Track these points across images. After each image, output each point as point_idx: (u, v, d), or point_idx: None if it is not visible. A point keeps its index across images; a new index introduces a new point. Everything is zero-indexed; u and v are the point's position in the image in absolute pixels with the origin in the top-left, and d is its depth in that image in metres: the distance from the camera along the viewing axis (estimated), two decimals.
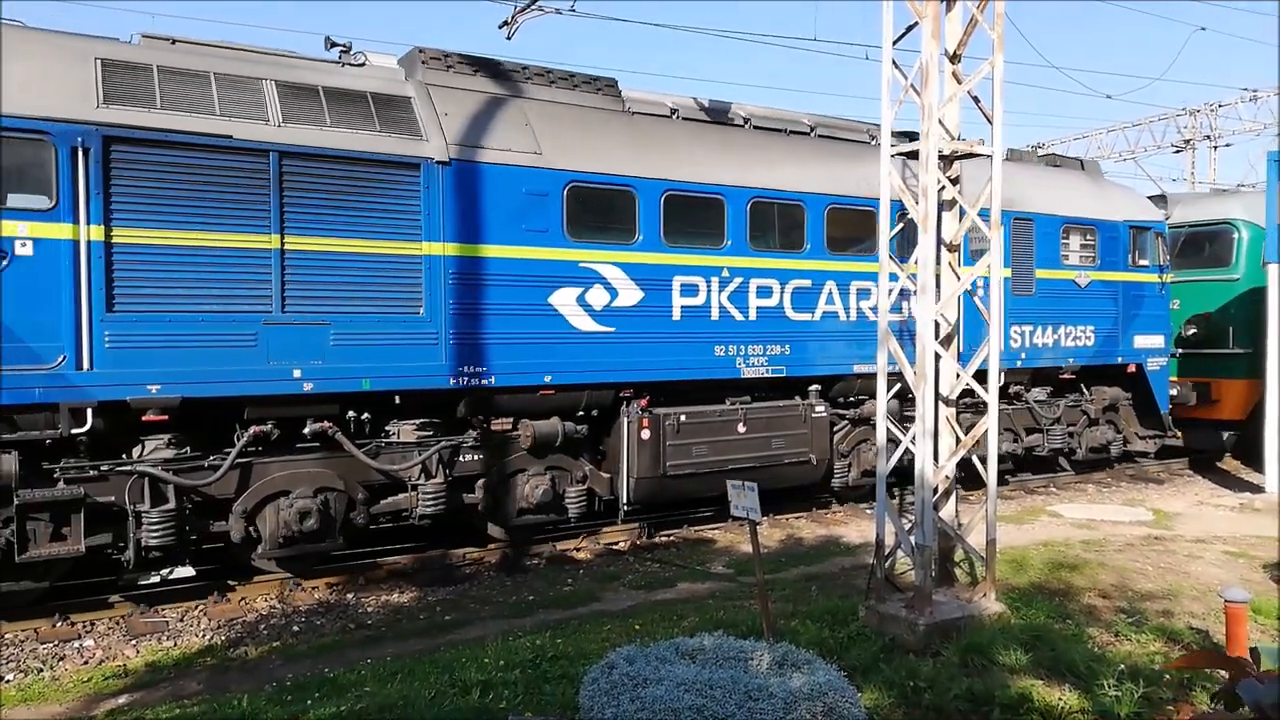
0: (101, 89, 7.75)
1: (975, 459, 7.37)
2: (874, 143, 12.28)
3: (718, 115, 11.57)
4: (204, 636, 7.89)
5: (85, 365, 7.57)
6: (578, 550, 10.63)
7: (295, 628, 8.07)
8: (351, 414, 8.95)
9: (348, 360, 8.60)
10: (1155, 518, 11.97)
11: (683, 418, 10.41)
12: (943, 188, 7.07)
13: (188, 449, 8.32)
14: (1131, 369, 14.83)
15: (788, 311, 11.15)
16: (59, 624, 8.03)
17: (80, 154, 7.51)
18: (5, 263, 7.29)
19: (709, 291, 10.59)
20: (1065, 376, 14.33)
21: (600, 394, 10.15)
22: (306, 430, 8.70)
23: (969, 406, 12.87)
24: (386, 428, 9.29)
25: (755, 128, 11.66)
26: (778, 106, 12.34)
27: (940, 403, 7.19)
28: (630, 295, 10.11)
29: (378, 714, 5.49)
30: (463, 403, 9.45)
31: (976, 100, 7.33)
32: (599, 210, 10.02)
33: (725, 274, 10.69)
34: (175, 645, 7.68)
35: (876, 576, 7.05)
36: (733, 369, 10.82)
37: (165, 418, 8.08)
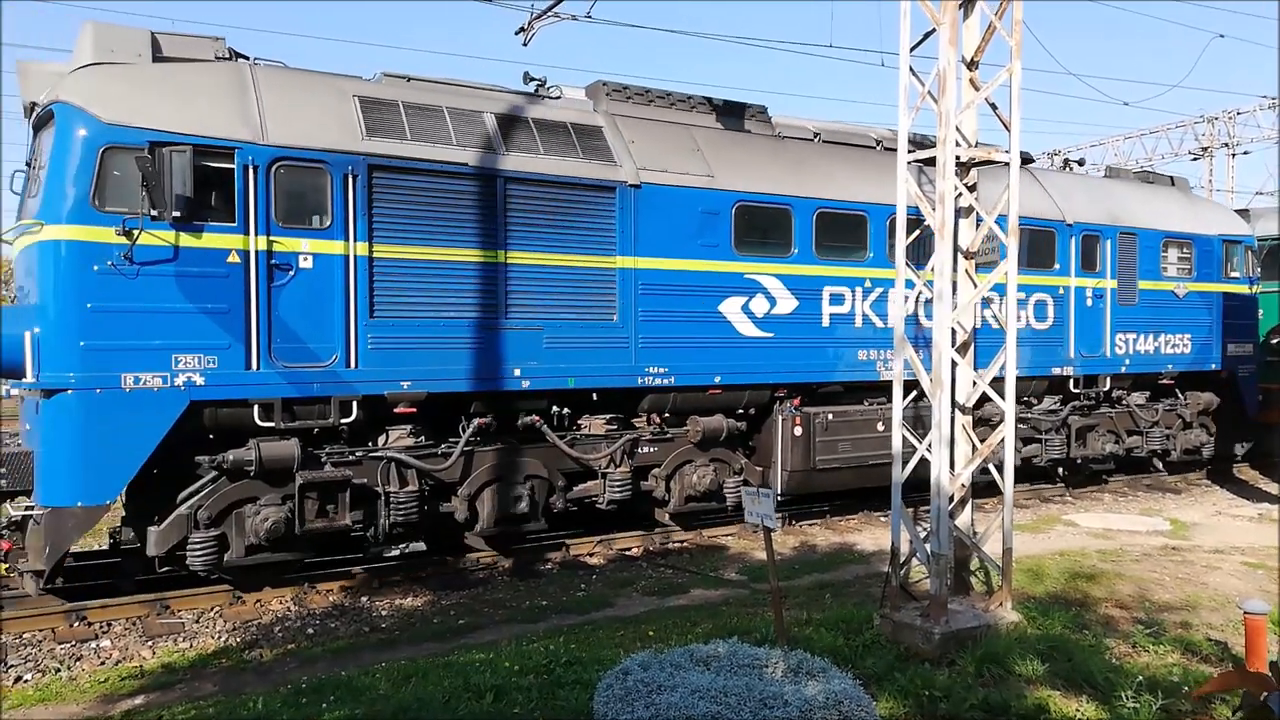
0: (363, 123, 8.84)
1: (992, 467, 7.33)
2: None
3: (852, 138, 12.47)
4: (219, 638, 7.93)
5: (352, 364, 8.66)
6: (591, 555, 10.63)
7: (310, 630, 8.09)
8: (554, 409, 10.08)
9: (557, 361, 9.70)
10: (1173, 528, 11.88)
11: (830, 416, 11.39)
12: (959, 194, 7.05)
13: (423, 438, 9.34)
14: (1223, 375, 15.60)
15: (921, 319, 12.08)
16: (76, 624, 8.09)
17: (350, 180, 8.61)
18: (291, 274, 8.37)
19: (854, 300, 11.66)
20: (1163, 382, 15.16)
21: (758, 394, 11.20)
22: (519, 423, 9.77)
23: (1078, 409, 14.09)
24: (579, 421, 10.40)
25: (885, 149, 12.60)
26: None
27: (957, 410, 7.15)
28: (786, 304, 11.14)
29: (392, 717, 5.50)
30: (646, 399, 10.53)
31: (994, 107, 7.31)
32: (761, 227, 11.04)
33: (868, 284, 11.76)
34: (191, 646, 7.71)
35: (891, 584, 7.01)
36: (873, 372, 11.90)
37: (414, 410, 9.18)
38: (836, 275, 11.42)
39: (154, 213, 7.72)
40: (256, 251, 8.20)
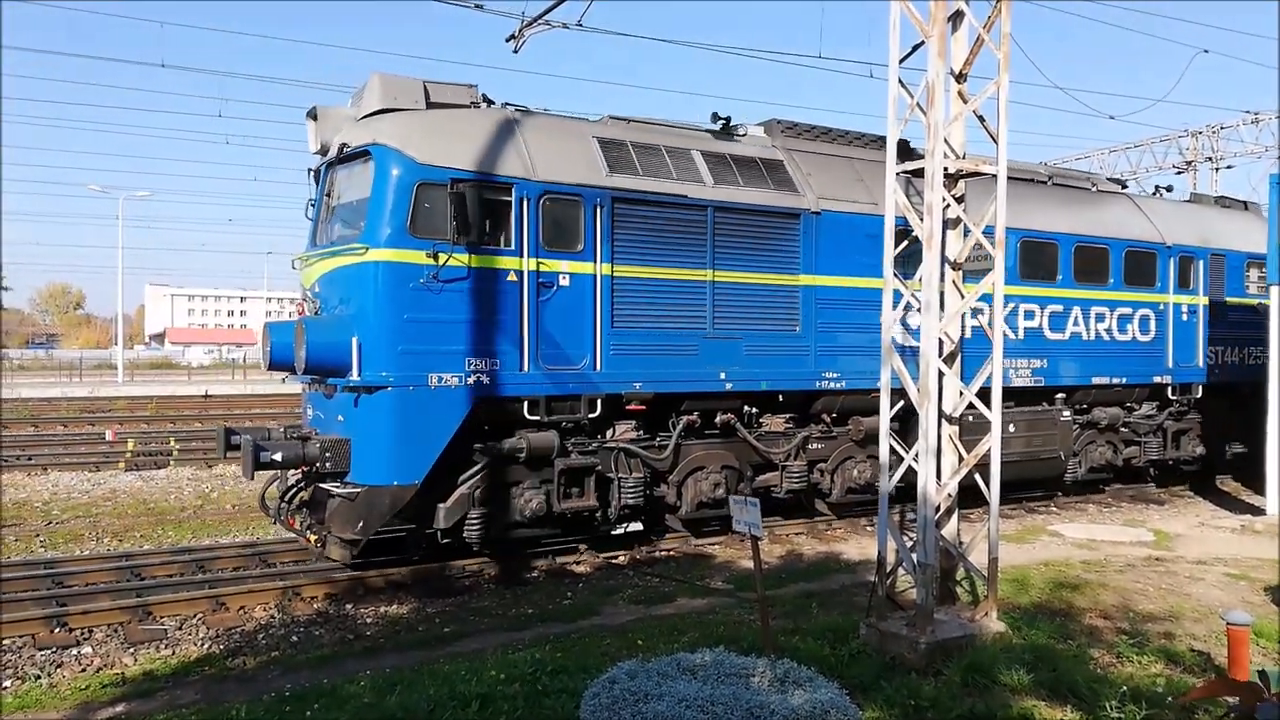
0: (604, 161, 10.14)
1: (977, 477, 7.35)
2: (1094, 189, 15.07)
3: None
4: (202, 645, 7.87)
5: (598, 367, 9.95)
6: (577, 563, 10.61)
7: (294, 638, 8.04)
8: (745, 408, 11.24)
9: (753, 366, 10.99)
10: (1156, 538, 11.95)
11: (970, 418, 12.66)
12: (948, 206, 7.09)
13: (642, 432, 10.59)
14: None
15: (1045, 332, 13.52)
16: (57, 630, 8.02)
17: (598, 210, 9.91)
18: (553, 290, 9.65)
19: (990, 314, 12.16)
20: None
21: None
22: (717, 420, 11.05)
23: (1172, 415, 15.43)
24: (760, 420, 11.48)
25: (1007, 178, 13.33)
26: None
27: (944, 420, 7.17)
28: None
29: None
30: (819, 401, 11.68)
31: (982, 119, 7.36)
32: (915, 249, 11.59)
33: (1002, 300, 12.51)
34: (173, 654, 7.65)
35: (877, 594, 7.02)
36: (1006, 378, 12.83)
37: (643, 408, 10.47)
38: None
39: (455, 239, 9.02)
40: (528, 271, 9.49)
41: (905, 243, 7.60)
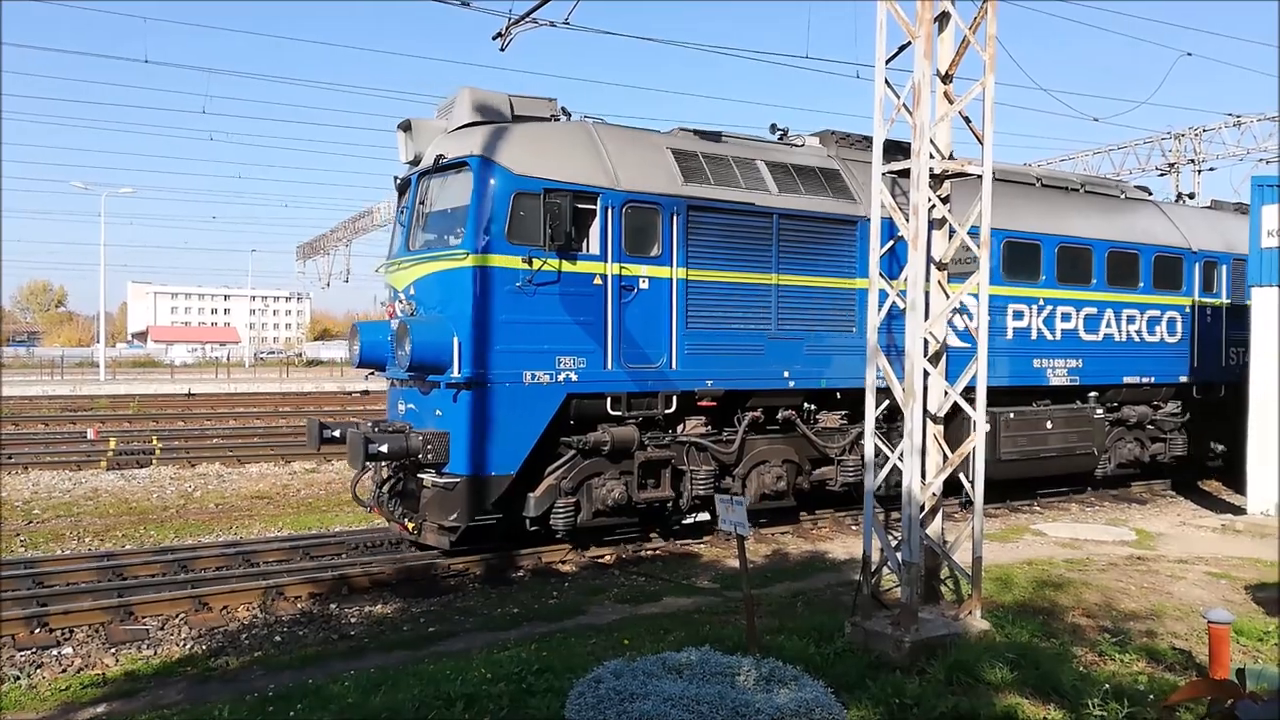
0: (679, 171, 10.65)
1: (962, 477, 7.39)
2: (1123, 196, 15.68)
3: (1010, 175, 14.06)
4: (184, 646, 7.80)
5: (674, 365, 10.51)
6: (563, 563, 10.59)
7: (277, 638, 7.99)
8: (804, 405, 11.86)
9: (814, 365, 11.57)
10: (1138, 538, 12.03)
11: (1011, 415, 13.07)
12: (933, 206, 7.11)
13: (710, 427, 11.13)
14: None
15: (1080, 333, 14.19)
16: (37, 630, 7.94)
17: (674, 217, 10.46)
18: (634, 294, 10.22)
19: (1030, 316, 13.64)
20: None
21: None
22: (779, 416, 11.67)
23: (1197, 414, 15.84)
24: (816, 417, 12.03)
25: (1043, 185, 14.50)
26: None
27: (929, 420, 7.20)
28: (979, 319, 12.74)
29: None
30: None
31: (967, 120, 7.38)
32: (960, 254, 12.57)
33: (1041, 303, 13.73)
34: (155, 654, 7.59)
35: (863, 593, 7.04)
36: (1043, 378, 13.84)
37: (713, 404, 11.05)
38: (1018, 295, 13.32)
39: (547, 245, 9.61)
40: (611, 276, 10.05)
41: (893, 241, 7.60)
